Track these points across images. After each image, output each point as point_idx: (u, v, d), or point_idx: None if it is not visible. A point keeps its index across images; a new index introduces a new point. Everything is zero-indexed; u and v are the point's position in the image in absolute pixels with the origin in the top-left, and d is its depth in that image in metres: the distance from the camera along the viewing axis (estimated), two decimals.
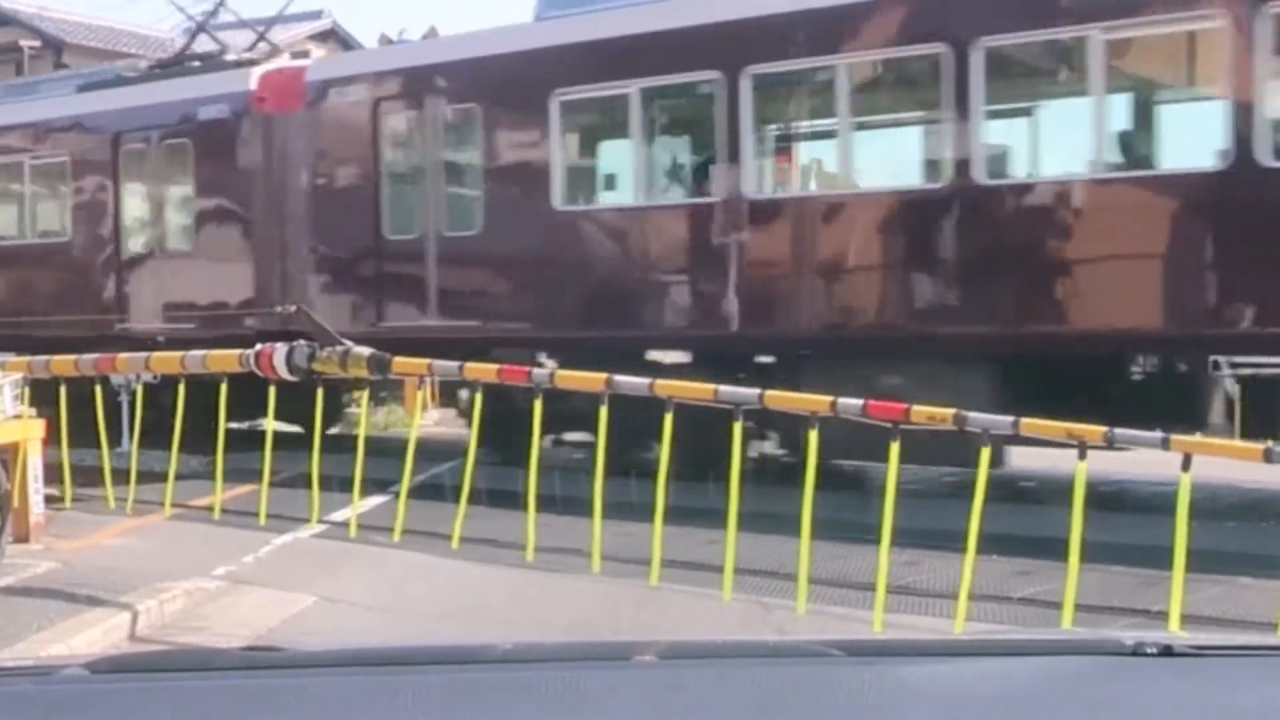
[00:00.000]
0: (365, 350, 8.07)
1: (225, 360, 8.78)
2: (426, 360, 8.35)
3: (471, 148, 14.83)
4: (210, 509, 9.58)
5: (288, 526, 9.90)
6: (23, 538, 9.93)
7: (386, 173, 15.30)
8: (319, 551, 10.00)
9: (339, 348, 8.08)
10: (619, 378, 7.91)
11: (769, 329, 13.02)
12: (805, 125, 14.30)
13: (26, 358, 10.02)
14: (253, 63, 17.24)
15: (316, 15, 29.52)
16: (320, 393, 8.73)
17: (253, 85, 16.35)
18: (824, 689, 1.95)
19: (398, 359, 8.17)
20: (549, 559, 8.77)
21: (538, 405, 8.05)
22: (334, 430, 15.20)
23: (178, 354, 9.35)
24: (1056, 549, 6.95)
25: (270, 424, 9.08)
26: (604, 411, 7.84)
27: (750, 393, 7.66)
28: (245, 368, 8.44)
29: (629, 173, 14.10)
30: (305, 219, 15.90)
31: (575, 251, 14.09)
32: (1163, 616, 6.72)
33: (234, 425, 9.44)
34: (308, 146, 15.87)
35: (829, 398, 7.44)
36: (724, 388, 7.85)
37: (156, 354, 9.77)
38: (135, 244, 17.84)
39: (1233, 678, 2.02)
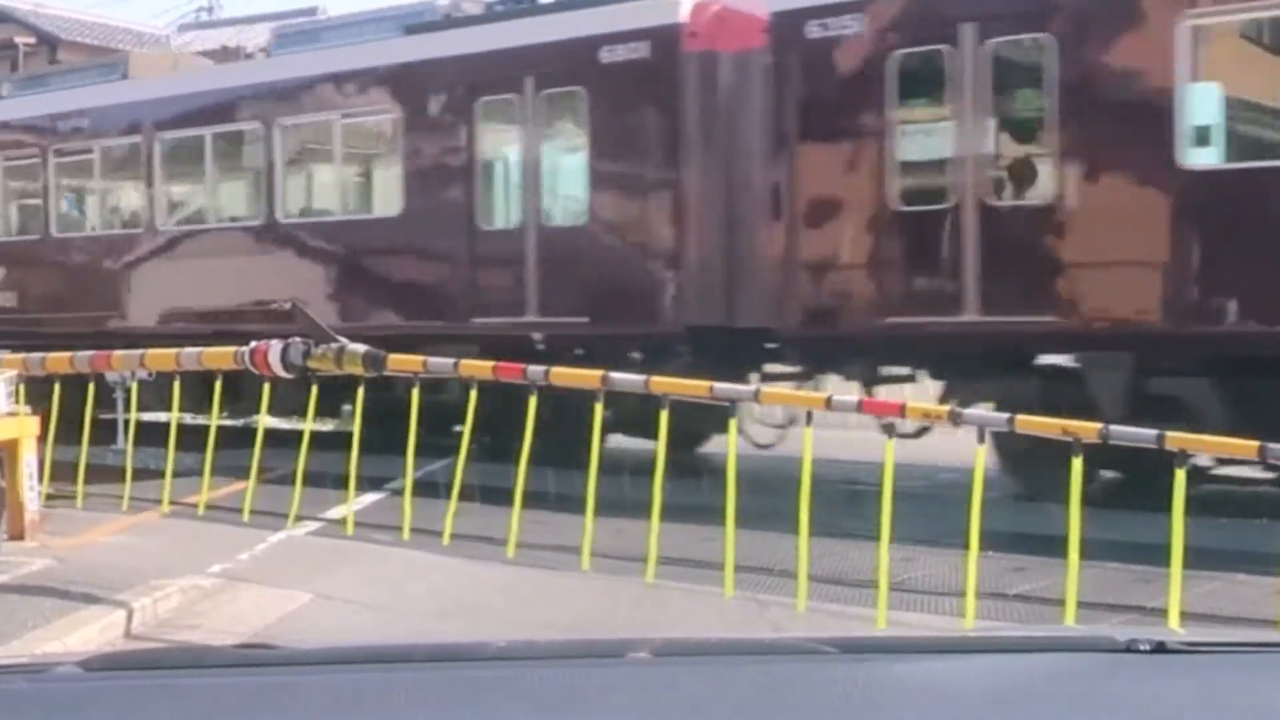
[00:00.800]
0: (360, 347, 8.06)
1: (220, 357, 8.77)
2: (421, 357, 8.34)
3: (1035, 88, 11.60)
4: (205, 506, 9.57)
5: (283, 524, 9.89)
6: (18, 535, 9.92)
7: (897, 125, 12.07)
8: (315, 549, 10.00)
9: (334, 344, 8.07)
10: (615, 375, 7.90)
11: None
12: None
13: (22, 355, 10.00)
14: None
15: (311, 13, 29.48)
16: (315, 390, 8.72)
17: (682, 18, 13.11)
18: (819, 686, 1.95)
19: (393, 356, 8.16)
20: (547, 557, 8.77)
21: (533, 402, 8.05)
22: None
23: (173, 351, 9.35)
24: (1051, 545, 6.96)
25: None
26: (598, 409, 7.84)
27: (747, 389, 7.67)
28: (240, 365, 8.43)
29: None
30: (766, 185, 12.70)
31: (1213, 223, 10.75)
32: (1158, 613, 6.73)
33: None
34: (772, 94, 12.63)
35: (823, 394, 7.45)
36: (719, 385, 7.85)
37: (152, 351, 9.76)
38: (499, 218, 14.56)
39: (1226, 674, 2.02)
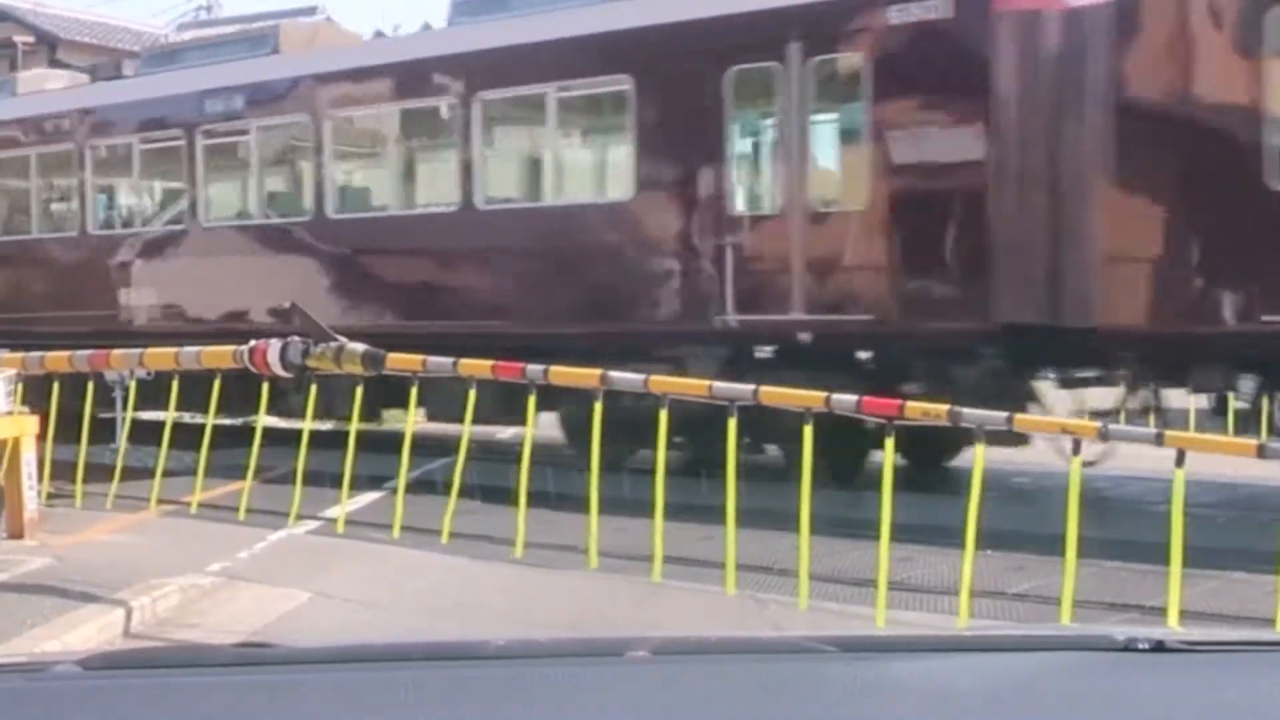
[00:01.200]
0: (359, 346, 8.07)
1: (219, 357, 8.77)
2: (420, 356, 8.33)
3: None
4: (204, 505, 9.58)
5: (282, 522, 9.89)
6: (17, 534, 9.92)
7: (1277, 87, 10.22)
8: (314, 548, 9.99)
9: (333, 343, 8.07)
10: (614, 374, 7.90)
11: None
12: None
13: (20, 354, 10.00)
14: None
15: (311, 11, 29.44)
16: (313, 389, 8.72)
17: None
18: (817, 685, 1.95)
19: (392, 355, 8.16)
20: (546, 555, 8.77)
21: (531, 401, 8.05)
22: None
23: (172, 350, 9.35)
24: (1050, 544, 6.96)
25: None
26: (598, 408, 7.84)
27: (745, 389, 7.66)
28: (239, 364, 8.43)
29: None
30: (1103, 161, 10.86)
31: None
32: (1157, 611, 6.73)
33: None
34: (1114, 58, 10.83)
35: (823, 393, 7.45)
36: (719, 384, 7.84)
37: (151, 350, 9.75)
38: (756, 202, 12.75)
39: (1224, 673, 2.02)
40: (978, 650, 2.23)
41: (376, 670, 2.13)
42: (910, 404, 7.16)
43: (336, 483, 8.96)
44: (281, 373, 8.28)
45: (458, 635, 5.60)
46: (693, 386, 7.99)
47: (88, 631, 7.40)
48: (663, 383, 7.89)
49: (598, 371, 7.93)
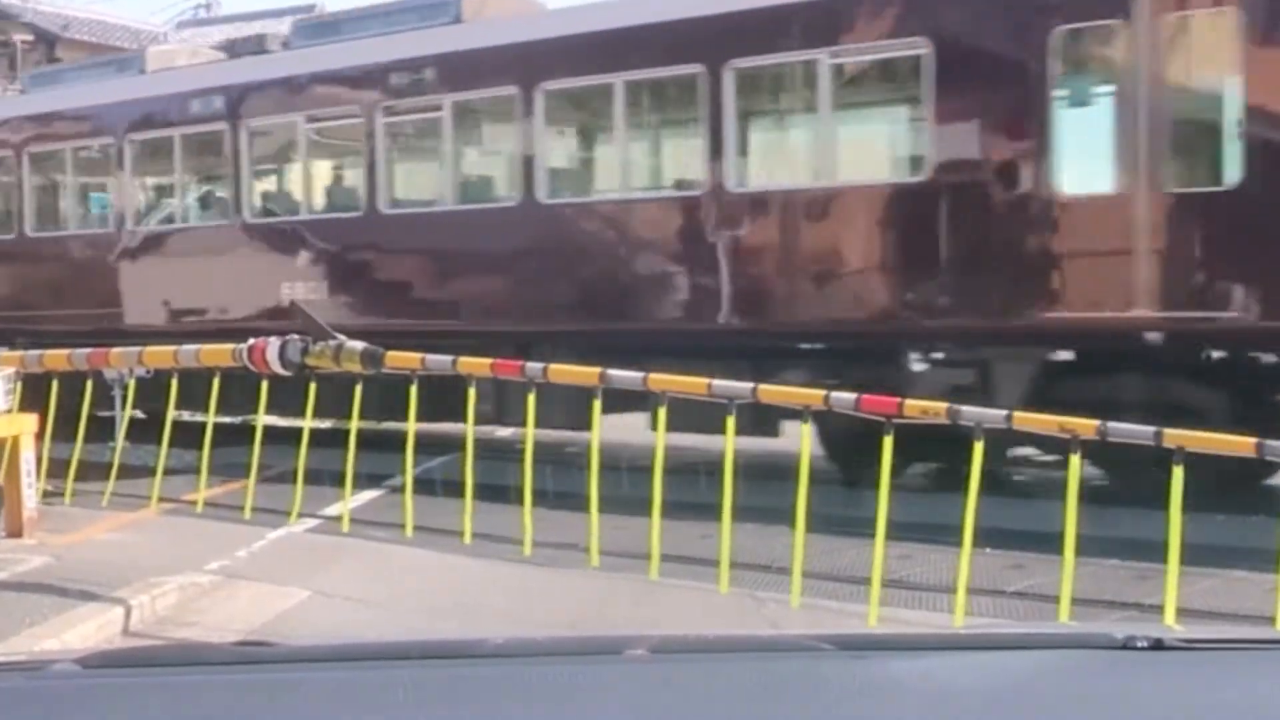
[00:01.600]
0: (358, 344, 8.06)
1: (218, 355, 8.76)
2: (419, 354, 8.32)
3: None
4: (203, 503, 9.57)
5: (282, 521, 9.90)
6: (16, 532, 9.92)
7: None
8: (313, 546, 10.00)
9: (332, 342, 8.07)
10: (613, 372, 7.89)
11: None
12: None
13: (19, 352, 9.99)
14: None
15: (310, 9, 29.45)
16: (313, 387, 8.71)
17: None
18: (815, 683, 1.95)
19: (391, 353, 8.15)
20: (545, 554, 8.76)
21: (531, 399, 8.05)
22: None
23: (171, 348, 9.35)
24: (1049, 542, 6.96)
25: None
26: (597, 405, 7.84)
27: (744, 387, 7.66)
28: (238, 362, 8.42)
29: None
30: None
31: None
32: (1155, 610, 6.73)
33: None
34: None
35: (822, 391, 7.44)
36: (717, 382, 7.83)
37: (150, 348, 9.74)
38: (1089, 181, 11.06)
39: (1223, 672, 2.02)
40: (976, 649, 2.23)
41: (375, 669, 2.13)
42: (910, 402, 7.15)
43: (335, 481, 8.97)
44: (281, 370, 8.27)
45: (457, 634, 5.61)
46: (691, 385, 7.97)
47: (86, 630, 7.41)
48: (661, 381, 7.87)
49: (596, 370, 7.92)
